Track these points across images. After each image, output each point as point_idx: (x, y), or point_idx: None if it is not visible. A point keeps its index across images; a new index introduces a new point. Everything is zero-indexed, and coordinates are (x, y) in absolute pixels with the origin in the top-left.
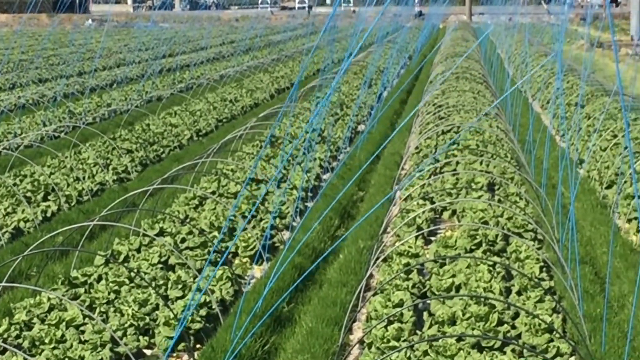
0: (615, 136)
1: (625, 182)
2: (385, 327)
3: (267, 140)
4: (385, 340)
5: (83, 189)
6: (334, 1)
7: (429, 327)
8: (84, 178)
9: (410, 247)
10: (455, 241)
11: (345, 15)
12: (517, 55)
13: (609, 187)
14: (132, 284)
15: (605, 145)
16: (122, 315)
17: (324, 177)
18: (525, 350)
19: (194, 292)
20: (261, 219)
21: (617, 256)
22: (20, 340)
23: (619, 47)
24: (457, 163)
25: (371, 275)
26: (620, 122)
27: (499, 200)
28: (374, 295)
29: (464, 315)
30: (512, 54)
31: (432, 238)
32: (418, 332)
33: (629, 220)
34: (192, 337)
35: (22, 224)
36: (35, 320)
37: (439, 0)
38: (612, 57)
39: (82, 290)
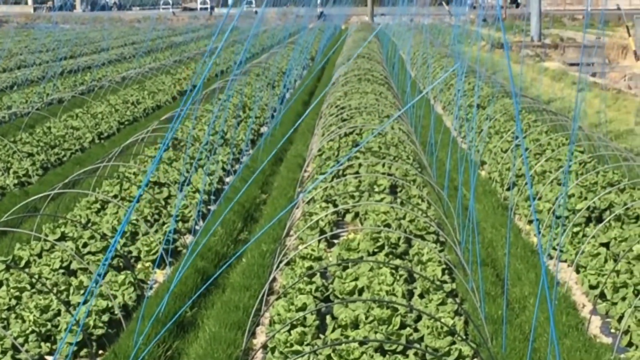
0: (516, 137)
1: (526, 183)
2: (289, 331)
3: (165, 142)
4: (288, 344)
5: None
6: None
7: (332, 331)
8: None
9: (313, 250)
10: (358, 244)
11: (246, 16)
12: (418, 56)
13: (509, 188)
14: (34, 290)
15: (506, 147)
16: (24, 321)
17: (227, 179)
18: (427, 354)
19: (93, 297)
20: (164, 223)
21: (518, 258)
22: None
23: (520, 49)
24: (360, 165)
25: (274, 279)
26: (521, 124)
27: (402, 203)
28: (277, 299)
29: (366, 318)
30: (413, 55)
31: (335, 241)
32: (321, 335)
33: (530, 222)
34: (94, 343)
35: None
36: None
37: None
38: (513, 58)
39: None
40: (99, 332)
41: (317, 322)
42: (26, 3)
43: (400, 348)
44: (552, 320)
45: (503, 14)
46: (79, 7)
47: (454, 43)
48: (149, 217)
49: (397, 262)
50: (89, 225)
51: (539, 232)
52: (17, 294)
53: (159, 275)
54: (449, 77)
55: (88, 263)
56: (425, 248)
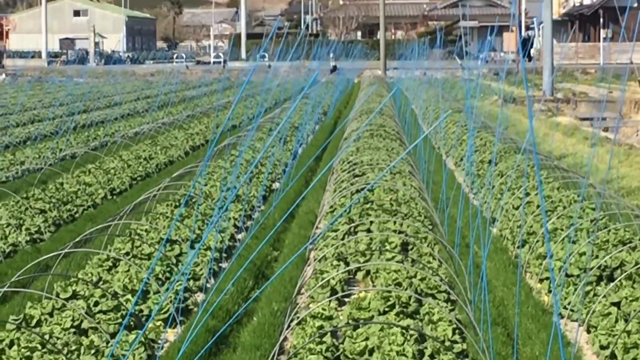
0: (527, 194)
1: (537, 241)
2: None
3: (183, 201)
4: None
5: None
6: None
7: None
8: None
9: (324, 309)
10: (369, 303)
11: (260, 70)
12: (430, 110)
13: (521, 246)
14: (45, 350)
15: (518, 204)
16: None
17: (239, 236)
18: None
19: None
20: (175, 281)
21: (529, 317)
22: None
23: (532, 103)
24: (371, 223)
25: (285, 338)
26: (533, 181)
27: (413, 261)
28: (288, 359)
29: None
30: (426, 110)
31: (346, 299)
32: None
33: (541, 281)
34: None
35: None
36: None
37: (353, 54)
38: (525, 113)
39: None
40: None
41: None
42: (40, 57)
43: None
44: None
45: (515, 68)
46: (93, 61)
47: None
48: (160, 275)
49: (408, 321)
50: (100, 283)
51: (554, 291)
52: (28, 353)
53: (170, 335)
54: (461, 132)
55: (99, 322)
56: (436, 307)
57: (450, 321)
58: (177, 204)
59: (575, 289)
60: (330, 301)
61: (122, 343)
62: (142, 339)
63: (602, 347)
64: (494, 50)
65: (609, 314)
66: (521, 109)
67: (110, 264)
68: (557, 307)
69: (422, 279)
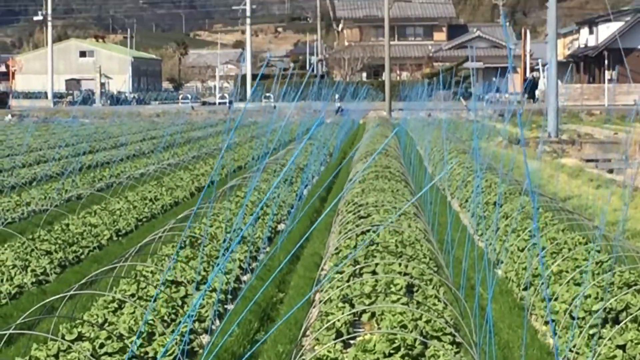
0: (532, 236)
1: (543, 283)
2: None
3: (179, 242)
4: None
5: (1, 292)
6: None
7: None
8: (1, 281)
9: (329, 351)
10: (374, 345)
11: (265, 111)
12: (435, 152)
13: (526, 288)
14: None
15: (523, 246)
16: None
17: (244, 278)
18: None
19: None
20: (180, 322)
21: (535, 359)
22: None
23: (537, 144)
24: (377, 264)
25: None
26: (539, 223)
27: (418, 303)
28: None
29: None
30: (431, 151)
31: (352, 342)
32: None
33: (546, 323)
34: None
35: None
36: None
37: (358, 96)
38: (531, 154)
39: None
40: None
41: None
42: (46, 97)
43: None
44: None
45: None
46: (99, 102)
47: (470, 139)
48: (165, 317)
49: None
50: (106, 325)
51: (554, 338)
52: None
53: None
54: (466, 174)
55: None
56: (442, 350)
57: None
58: (183, 245)
59: (581, 332)
60: (335, 343)
61: None
62: None
63: None
64: (498, 91)
65: (615, 356)
66: (527, 150)
67: (116, 306)
68: (558, 350)
69: (427, 321)
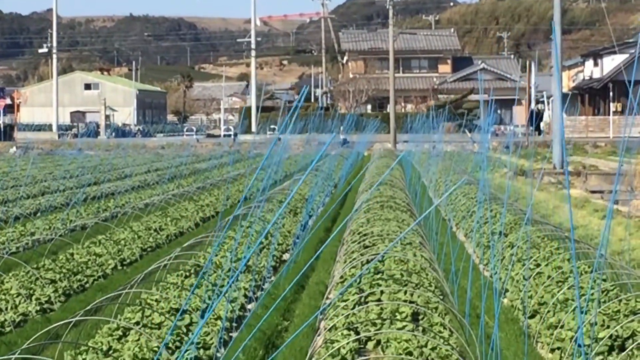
0: (538, 265)
1: (548, 311)
2: None
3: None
4: None
5: (5, 320)
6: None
7: None
8: (6, 309)
9: None
10: None
11: (271, 142)
12: (441, 183)
13: (532, 316)
14: None
15: (528, 275)
16: None
17: (249, 306)
18: None
19: None
20: (186, 350)
21: None
22: None
23: (542, 176)
24: (382, 292)
25: None
26: (543, 252)
27: (424, 330)
28: None
29: None
30: (436, 182)
31: None
32: None
33: (552, 350)
34: None
35: None
36: None
37: (363, 128)
38: (535, 185)
39: None
40: None
41: None
42: (51, 129)
43: None
44: None
45: (525, 142)
46: (104, 134)
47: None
48: (170, 345)
49: None
50: (111, 352)
51: None
52: None
53: None
54: (471, 204)
55: None
56: None
57: None
58: (188, 274)
59: (587, 359)
60: None
61: None
62: None
63: None
64: (501, 122)
65: None
66: (532, 181)
67: (121, 333)
68: None
69: (433, 348)
